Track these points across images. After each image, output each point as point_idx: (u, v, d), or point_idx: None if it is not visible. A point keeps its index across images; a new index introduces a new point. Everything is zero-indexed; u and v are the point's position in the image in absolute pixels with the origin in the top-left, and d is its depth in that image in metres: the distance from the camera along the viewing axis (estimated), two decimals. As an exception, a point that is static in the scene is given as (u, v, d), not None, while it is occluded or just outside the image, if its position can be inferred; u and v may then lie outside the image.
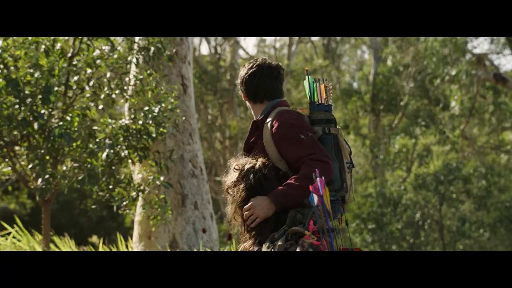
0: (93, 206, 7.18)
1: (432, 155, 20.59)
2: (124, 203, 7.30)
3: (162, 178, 7.42)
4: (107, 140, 6.91)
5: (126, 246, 9.14)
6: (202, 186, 8.99)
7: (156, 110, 7.07)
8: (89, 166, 6.84)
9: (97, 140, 6.92)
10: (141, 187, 7.41)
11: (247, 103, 3.97)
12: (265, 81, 3.85)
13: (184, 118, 8.75)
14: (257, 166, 3.66)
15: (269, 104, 3.85)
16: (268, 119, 3.74)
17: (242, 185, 3.65)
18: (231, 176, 3.73)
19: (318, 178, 3.34)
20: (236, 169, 3.70)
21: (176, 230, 8.62)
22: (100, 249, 8.91)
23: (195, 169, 8.97)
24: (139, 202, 8.42)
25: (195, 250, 8.40)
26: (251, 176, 3.64)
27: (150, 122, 7.07)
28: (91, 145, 6.89)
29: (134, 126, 7.10)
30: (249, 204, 3.61)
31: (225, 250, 8.13)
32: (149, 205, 7.46)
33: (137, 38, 7.33)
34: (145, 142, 7.08)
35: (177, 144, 8.79)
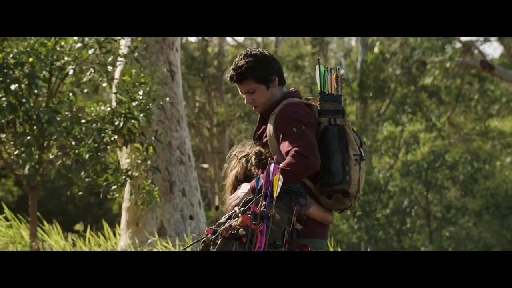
0: (80, 193, 7.17)
1: (419, 142, 20.67)
2: (113, 187, 7.29)
3: (149, 163, 7.42)
4: (93, 125, 6.89)
5: (114, 233, 9.14)
6: (190, 173, 8.98)
7: (140, 93, 7.07)
8: (76, 152, 6.82)
9: (84, 124, 6.90)
10: (129, 173, 7.40)
11: (253, 90, 3.79)
12: (279, 65, 3.84)
13: (168, 99, 8.73)
14: (250, 155, 3.76)
15: (281, 92, 3.82)
16: (274, 112, 3.73)
17: (233, 172, 3.78)
18: (229, 163, 3.85)
19: (273, 164, 3.43)
20: (235, 156, 3.82)
21: (164, 217, 8.62)
22: (87, 236, 8.91)
23: (183, 156, 8.96)
24: (127, 188, 8.41)
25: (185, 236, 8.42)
26: (243, 164, 3.75)
27: (134, 104, 7.06)
28: (77, 131, 6.87)
29: (120, 110, 7.08)
30: (235, 192, 3.71)
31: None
32: (137, 190, 7.46)
33: None
34: (129, 126, 7.06)
35: (165, 130, 8.77)
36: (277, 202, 3.46)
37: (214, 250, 3.45)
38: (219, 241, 3.44)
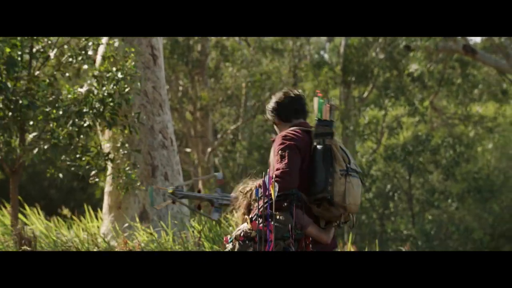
0: (60, 175, 7.16)
1: (402, 127, 20.73)
2: (93, 172, 7.27)
3: (127, 145, 7.40)
4: (72, 107, 6.86)
5: (96, 217, 9.12)
6: (172, 157, 8.97)
7: (119, 75, 7.04)
8: (54, 135, 6.80)
9: (61, 107, 6.87)
10: (110, 156, 7.38)
11: (277, 127, 4.67)
12: (301, 103, 4.68)
13: (151, 83, 8.70)
14: (252, 189, 4.41)
15: (295, 123, 4.58)
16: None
17: (241, 207, 4.44)
18: (236, 200, 4.56)
19: (267, 176, 4.14)
20: (240, 192, 4.51)
21: (146, 200, 8.61)
22: (70, 221, 8.89)
23: (165, 140, 8.94)
24: (109, 172, 8.39)
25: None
26: (248, 198, 4.41)
27: (112, 86, 7.04)
28: (56, 115, 6.83)
29: (99, 94, 7.05)
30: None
31: (194, 220, 8.14)
32: (117, 173, 7.44)
33: None
34: (109, 109, 7.04)
35: (147, 114, 8.74)
36: (279, 207, 4.19)
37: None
38: (236, 245, 4.17)
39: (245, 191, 4.47)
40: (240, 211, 4.45)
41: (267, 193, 4.12)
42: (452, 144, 20.09)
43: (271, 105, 4.70)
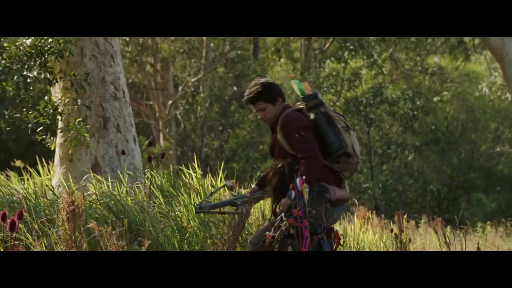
0: (7, 128, 7.10)
1: (361, 79, 20.82)
2: (40, 128, 7.22)
3: (79, 101, 7.33)
4: (14, 66, 6.78)
5: (48, 170, 9.08)
6: (124, 108, 8.92)
7: None
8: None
9: (3, 63, 6.78)
10: (59, 110, 7.32)
11: (264, 108, 5.13)
12: (280, 89, 5.25)
13: (104, 37, 8.60)
14: (284, 166, 4.97)
15: (282, 106, 5.12)
16: (279, 122, 5.06)
17: (273, 180, 5.02)
18: (268, 173, 5.13)
19: (298, 178, 4.68)
20: (272, 168, 5.06)
21: (98, 153, 8.58)
22: (23, 173, 8.84)
23: (117, 91, 8.88)
24: (60, 124, 8.33)
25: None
26: (280, 173, 4.97)
27: (50, 41, 6.97)
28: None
29: (38, 44, 6.97)
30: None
31: (147, 171, 8.15)
32: (66, 128, 7.40)
33: None
34: (49, 62, 6.97)
35: (98, 66, 8.65)
36: (311, 200, 4.74)
37: (276, 249, 4.71)
38: (278, 242, 4.72)
39: (277, 167, 5.01)
40: (271, 185, 5.00)
41: (299, 194, 4.65)
42: (411, 97, 20.27)
43: (256, 90, 5.13)
